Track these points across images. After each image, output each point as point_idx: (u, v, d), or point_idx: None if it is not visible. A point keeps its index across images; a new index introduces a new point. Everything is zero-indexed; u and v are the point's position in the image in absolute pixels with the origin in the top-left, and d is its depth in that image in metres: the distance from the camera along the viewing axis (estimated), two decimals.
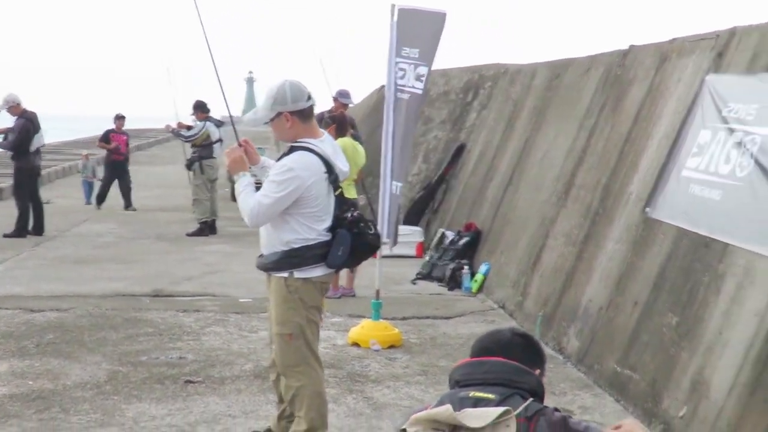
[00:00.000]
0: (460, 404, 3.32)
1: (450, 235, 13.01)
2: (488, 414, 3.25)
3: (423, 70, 8.85)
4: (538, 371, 3.60)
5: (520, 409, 3.27)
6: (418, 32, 8.93)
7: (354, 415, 6.78)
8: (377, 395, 7.27)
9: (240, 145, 5.74)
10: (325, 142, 5.63)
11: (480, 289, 11.63)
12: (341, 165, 5.68)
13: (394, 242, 10.14)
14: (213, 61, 6.44)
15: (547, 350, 8.80)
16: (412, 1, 9.31)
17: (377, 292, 9.07)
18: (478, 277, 11.74)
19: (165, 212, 19.57)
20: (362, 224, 5.63)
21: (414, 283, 12.23)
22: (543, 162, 11.50)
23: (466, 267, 12.06)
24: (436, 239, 13.44)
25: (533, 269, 10.38)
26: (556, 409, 3.34)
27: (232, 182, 21.11)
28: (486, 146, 14.22)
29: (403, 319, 9.77)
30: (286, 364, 5.55)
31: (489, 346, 3.67)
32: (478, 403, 3.33)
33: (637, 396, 7.20)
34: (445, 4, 9.90)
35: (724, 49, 8.09)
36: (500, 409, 3.25)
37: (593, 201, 9.48)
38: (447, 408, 3.30)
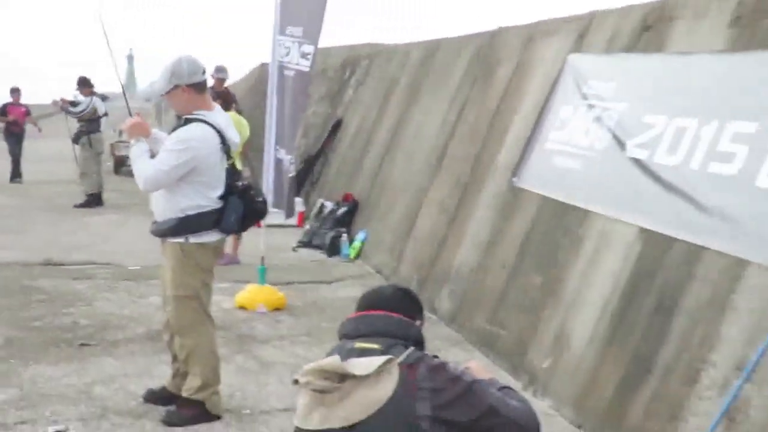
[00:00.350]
0: (347, 355, 3.45)
1: (329, 205, 13.15)
2: (372, 363, 3.36)
3: (308, 48, 8.89)
4: (418, 322, 3.78)
5: (402, 357, 3.41)
6: (301, 11, 9.03)
7: (243, 372, 6.94)
8: (264, 354, 7.46)
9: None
10: (218, 114, 5.79)
11: (358, 256, 11.85)
12: (232, 136, 5.86)
13: (290, 212, 10.39)
14: (108, 43, 6.60)
15: None
16: None
17: (262, 259, 9.21)
18: (356, 244, 11.96)
19: (51, 185, 19.03)
20: (252, 192, 5.85)
21: (295, 251, 12.38)
22: (417, 135, 11.71)
23: (344, 235, 12.27)
24: (315, 209, 13.59)
25: (408, 236, 10.61)
26: (435, 356, 3.55)
27: (114, 156, 20.81)
28: (362, 121, 14.31)
29: (287, 283, 9.91)
30: (181, 324, 5.69)
31: (372, 301, 3.79)
32: (363, 353, 3.46)
33: (505, 350, 7.53)
34: None
35: (585, 31, 8.43)
36: (383, 358, 3.37)
37: (464, 171, 9.74)
38: (335, 358, 3.41)
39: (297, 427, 3.50)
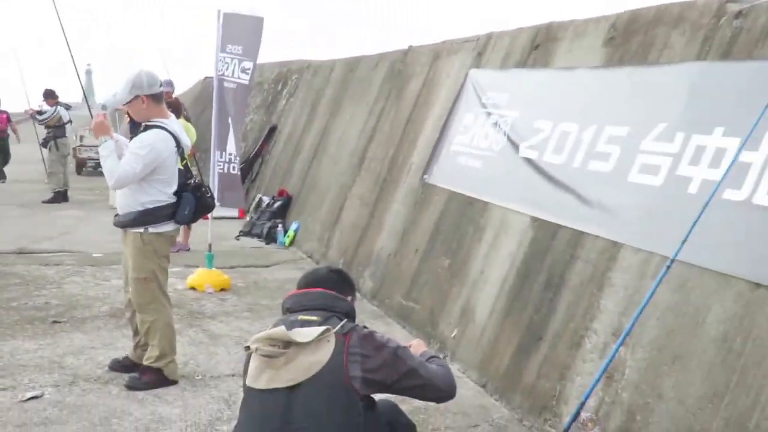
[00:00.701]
0: (291, 325, 3.50)
1: (266, 199, 13.06)
2: (312, 332, 3.44)
3: (248, 64, 8.94)
4: (350, 298, 3.85)
5: (337, 327, 3.49)
6: (241, 32, 8.99)
7: (195, 344, 6.89)
8: (213, 328, 7.41)
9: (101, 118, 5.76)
10: (173, 121, 5.77)
11: (291, 243, 11.75)
12: (185, 141, 5.85)
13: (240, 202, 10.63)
14: (73, 60, 6.56)
15: None
16: (235, 4, 9.40)
17: (209, 246, 9.14)
18: (290, 233, 11.87)
19: (21, 183, 18.71)
20: (203, 189, 5.85)
21: (237, 239, 12.24)
22: (341, 140, 11.65)
23: (279, 225, 12.19)
24: (254, 203, 13.45)
25: (334, 226, 10.55)
26: (365, 327, 3.61)
27: (77, 158, 20.42)
28: (294, 127, 14.28)
29: (231, 267, 9.82)
30: (141, 302, 5.68)
31: (312, 280, 3.89)
32: (304, 324, 3.52)
33: (419, 323, 7.52)
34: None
35: (483, 50, 8.46)
36: (322, 328, 3.45)
37: (382, 170, 9.70)
38: (281, 328, 3.47)
39: (248, 387, 3.55)
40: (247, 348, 3.58)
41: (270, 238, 12.15)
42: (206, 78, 19.54)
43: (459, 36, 9.27)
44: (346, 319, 3.62)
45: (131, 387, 5.68)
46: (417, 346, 3.89)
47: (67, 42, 6.60)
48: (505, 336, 6.26)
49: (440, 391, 3.67)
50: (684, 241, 4.52)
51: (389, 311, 8.17)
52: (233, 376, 6.10)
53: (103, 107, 6.39)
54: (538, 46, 7.49)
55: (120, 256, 6.13)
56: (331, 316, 3.60)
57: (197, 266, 9.27)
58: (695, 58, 5.47)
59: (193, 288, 8.77)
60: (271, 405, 3.41)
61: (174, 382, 5.79)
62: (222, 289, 8.79)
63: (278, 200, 12.74)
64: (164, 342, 5.69)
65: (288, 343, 3.42)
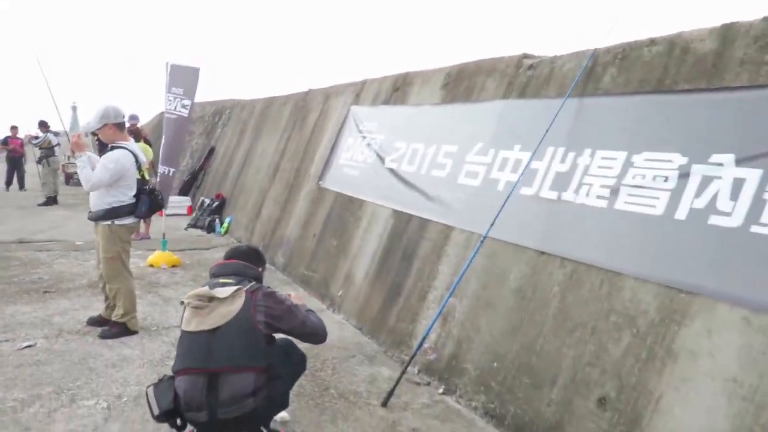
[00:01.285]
0: (213, 286, 3.53)
1: (207, 200, 12.71)
2: (229, 290, 3.49)
3: (187, 101, 8.77)
4: (261, 269, 3.87)
5: (247, 286, 3.54)
6: (182, 78, 8.80)
7: (152, 305, 6.71)
8: (165, 293, 7.20)
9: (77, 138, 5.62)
10: (132, 144, 5.68)
11: (226, 232, 11.48)
12: (142, 158, 5.77)
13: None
14: (56, 105, 6.44)
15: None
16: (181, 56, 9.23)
17: (163, 235, 8.87)
18: (225, 224, 11.59)
19: (21, 192, 17.84)
20: (155, 192, 5.76)
21: (186, 230, 11.87)
22: (261, 155, 11.47)
23: (217, 219, 11.92)
24: (198, 203, 13.05)
25: (256, 219, 10.38)
26: (269, 287, 3.65)
27: (65, 173, 19.47)
28: (227, 148, 13.97)
29: (180, 250, 9.50)
30: (109, 275, 5.58)
31: (232, 253, 3.91)
32: (224, 285, 3.55)
33: (316, 286, 7.45)
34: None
35: (360, 91, 8.48)
36: (235, 287, 3.51)
37: (290, 178, 9.59)
38: (206, 288, 3.51)
39: (183, 330, 3.56)
40: (182, 303, 3.62)
41: (210, 228, 11.86)
42: (161, 113, 19.09)
43: (344, 81, 9.27)
44: (254, 282, 3.66)
45: (103, 336, 5.55)
46: (297, 298, 3.91)
47: (51, 94, 6.43)
48: (375, 293, 6.29)
49: (317, 336, 3.75)
50: (492, 224, 4.67)
51: (296, 279, 8.06)
52: (179, 327, 5.90)
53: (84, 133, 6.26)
54: (398, 89, 7.55)
55: (91, 244, 5.93)
56: (243, 279, 3.63)
57: (155, 249, 8.98)
58: (502, 97, 5.62)
59: (151, 265, 8.47)
60: (198, 343, 3.43)
61: (135, 332, 5.68)
62: (173, 266, 8.53)
63: (216, 201, 12.45)
64: (127, 303, 5.61)
65: (211, 298, 3.48)
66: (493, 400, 4.39)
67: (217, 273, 3.74)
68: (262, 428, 3.68)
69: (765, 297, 3.11)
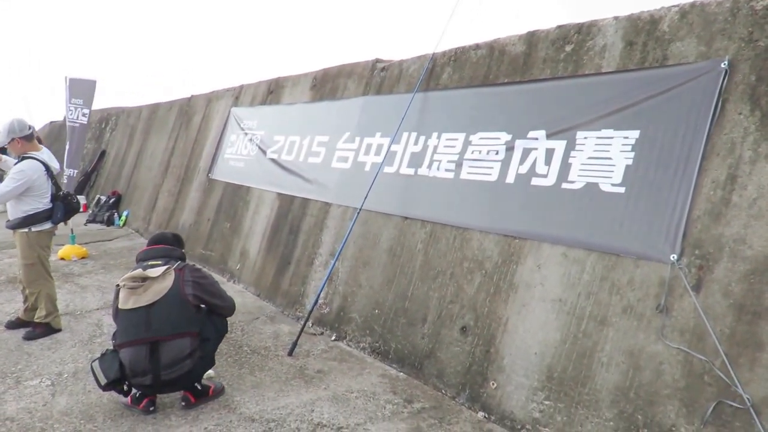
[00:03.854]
0: (145, 268, 3.41)
1: (103, 198, 11.69)
2: (160, 269, 3.39)
3: (86, 110, 8.02)
4: (182, 250, 3.76)
5: (175, 265, 3.46)
6: (81, 90, 8.01)
7: (71, 293, 6.08)
8: (81, 282, 6.56)
9: None
10: (43, 152, 4.95)
11: (124, 224, 10.64)
12: (54, 164, 5.02)
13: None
14: None
15: None
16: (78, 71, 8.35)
17: (71, 229, 7.99)
18: (123, 218, 10.72)
19: None
20: (70, 197, 5.08)
21: (86, 225, 10.86)
22: (152, 155, 10.70)
23: (115, 213, 11.01)
24: (95, 200, 11.94)
25: (152, 210, 9.71)
26: (194, 265, 3.62)
27: None
28: (118, 150, 12.88)
29: (86, 243, 8.72)
30: (29, 280, 4.87)
31: (157, 239, 3.76)
32: (154, 266, 3.43)
33: (215, 263, 7.11)
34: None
35: (239, 95, 8.16)
36: (165, 267, 3.41)
37: (181, 173, 9.06)
38: (139, 270, 3.40)
39: (120, 309, 3.37)
40: (118, 285, 3.46)
41: (109, 222, 10.92)
42: (51, 122, 17.08)
43: (222, 87, 8.86)
44: (180, 261, 3.61)
45: (28, 338, 4.82)
46: None
47: None
48: (268, 264, 6.14)
49: (230, 309, 3.71)
50: (365, 198, 4.72)
51: (193, 259, 7.61)
52: (98, 309, 5.52)
53: None
54: (272, 91, 7.33)
55: (7, 244, 5.20)
56: (169, 260, 3.55)
57: (64, 244, 8.12)
58: (362, 94, 5.63)
59: (63, 258, 7.66)
60: (137, 318, 3.33)
61: (59, 331, 4.98)
62: (82, 257, 7.77)
63: (112, 197, 11.47)
64: (49, 304, 4.93)
65: (144, 279, 3.37)
66: (378, 340, 4.47)
67: (145, 257, 3.60)
68: (196, 384, 3.59)
69: (575, 235, 3.40)
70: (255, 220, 6.65)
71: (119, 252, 8.30)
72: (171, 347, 3.33)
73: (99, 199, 11.91)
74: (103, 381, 3.39)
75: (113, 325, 4.99)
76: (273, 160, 6.65)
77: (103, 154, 13.79)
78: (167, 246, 3.70)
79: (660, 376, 2.81)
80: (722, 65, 2.95)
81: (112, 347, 3.51)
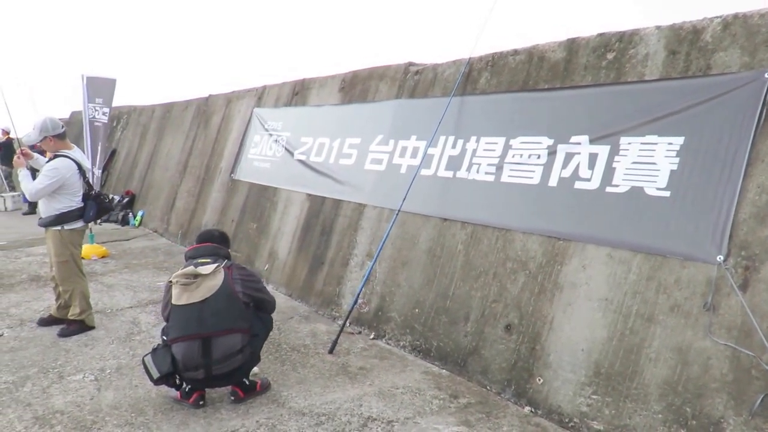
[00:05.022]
0: (197, 265, 3.59)
1: (117, 197, 11.91)
2: (210, 267, 3.58)
3: (106, 110, 8.21)
4: (228, 249, 3.97)
5: (223, 263, 3.65)
6: (100, 89, 8.19)
7: (98, 291, 6.28)
8: (106, 281, 6.77)
9: (21, 152, 5.12)
10: (75, 151, 5.13)
11: (140, 224, 10.85)
12: (87, 164, 5.22)
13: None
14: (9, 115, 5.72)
15: (186, 248, 8.74)
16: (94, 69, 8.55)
17: (90, 229, 8.17)
18: (138, 218, 10.93)
19: None
20: (102, 196, 5.26)
21: (100, 224, 11.03)
22: (168, 155, 10.89)
23: (130, 213, 11.22)
24: (108, 200, 12.24)
25: (171, 211, 9.90)
26: (238, 263, 3.78)
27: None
28: (129, 149, 13.07)
29: (104, 242, 8.93)
30: (62, 277, 5.05)
31: (205, 236, 3.96)
32: (203, 264, 3.62)
33: (241, 263, 7.38)
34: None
35: (261, 95, 8.34)
36: (215, 265, 3.60)
37: (201, 173, 9.24)
38: (191, 267, 3.57)
39: (174, 305, 3.53)
40: (170, 282, 3.62)
41: (124, 222, 11.12)
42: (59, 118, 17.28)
43: (243, 87, 9.06)
44: (227, 260, 3.78)
45: (62, 335, 5.01)
46: None
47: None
48: (299, 264, 6.33)
49: (273, 305, 3.90)
50: (404, 199, 4.94)
51: None
52: (131, 307, 5.72)
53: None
54: (298, 93, 7.54)
55: (23, 242, 5.41)
56: (217, 258, 3.73)
57: (84, 243, 8.42)
58: (395, 97, 5.83)
59: (83, 258, 7.88)
60: (190, 313, 3.50)
61: (93, 328, 5.17)
62: (103, 257, 7.98)
63: (126, 197, 11.68)
64: (83, 302, 5.11)
65: (196, 276, 3.54)
66: (418, 338, 4.70)
67: (194, 255, 3.77)
68: (244, 379, 3.79)
69: (620, 237, 3.63)
70: (284, 220, 6.86)
71: (141, 252, 8.51)
72: (223, 342, 3.52)
73: (113, 198, 12.13)
74: (156, 375, 3.54)
75: (151, 322, 5.28)
76: (301, 161, 6.86)
77: (113, 153, 14.00)
78: (215, 244, 3.92)
79: (708, 370, 3.05)
80: (766, 75, 3.19)
81: (162, 342, 3.68)
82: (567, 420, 3.54)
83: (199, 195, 9.10)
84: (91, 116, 8.17)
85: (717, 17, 3.51)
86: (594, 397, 3.46)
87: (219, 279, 3.57)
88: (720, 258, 3.13)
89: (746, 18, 3.37)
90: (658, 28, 3.79)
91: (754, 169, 3.13)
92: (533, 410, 3.73)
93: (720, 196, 3.22)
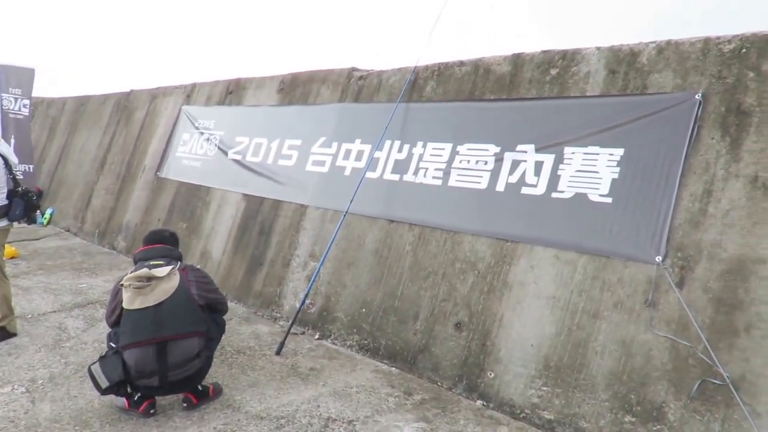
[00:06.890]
0: (150, 267, 3.34)
1: None
2: (165, 269, 3.33)
3: (26, 101, 7.36)
4: (180, 249, 3.70)
5: (178, 265, 3.42)
6: (18, 79, 7.34)
7: (15, 295, 5.40)
8: (21, 283, 6.04)
9: None
10: (2, 145, 4.54)
11: (49, 222, 9.87)
12: (13, 159, 4.62)
13: None
14: None
15: (104, 248, 8.06)
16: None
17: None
18: (46, 216, 9.93)
19: None
20: (30, 193, 4.70)
21: (29, 224, 9.95)
22: (82, 151, 9.98)
23: (38, 211, 10.22)
24: (36, 197, 11.00)
25: (86, 208, 9.07)
26: (194, 265, 3.52)
27: None
28: (36, 144, 11.80)
29: (12, 241, 7.91)
30: None
31: (155, 237, 3.68)
32: (157, 266, 3.36)
33: None
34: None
35: (191, 93, 7.92)
36: (170, 267, 3.36)
37: (121, 170, 8.57)
38: (144, 270, 3.31)
39: (126, 309, 3.24)
40: (122, 285, 3.30)
41: (31, 220, 10.10)
42: None
43: (169, 84, 8.54)
44: (179, 261, 3.54)
45: None
46: None
47: None
48: (235, 265, 6.03)
49: (226, 306, 3.70)
50: (351, 201, 4.84)
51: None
52: (55, 311, 5.14)
53: None
54: (232, 92, 7.21)
55: None
56: (170, 260, 3.49)
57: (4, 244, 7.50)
58: (338, 101, 5.72)
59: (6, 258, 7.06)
60: (145, 318, 3.23)
61: (14, 335, 4.59)
62: (12, 257, 7.13)
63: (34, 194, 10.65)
64: (4, 307, 4.54)
65: (150, 278, 3.28)
66: (366, 337, 4.61)
67: (146, 257, 3.49)
68: (199, 386, 3.53)
69: (566, 239, 3.77)
70: (218, 220, 6.52)
71: (55, 252, 7.72)
72: (179, 347, 3.26)
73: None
74: (105, 384, 3.21)
75: (80, 327, 4.78)
76: (236, 161, 6.55)
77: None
78: (167, 246, 3.65)
79: (650, 360, 3.23)
80: (696, 97, 3.45)
81: (111, 349, 3.36)
82: (519, 411, 3.61)
83: (120, 193, 8.44)
84: (6, 107, 7.30)
85: (652, 42, 3.75)
86: (544, 388, 3.56)
87: (175, 281, 3.29)
88: (659, 259, 3.34)
89: (678, 45, 3.63)
90: (598, 48, 3.99)
91: (687, 179, 3.37)
92: (485, 404, 3.77)
93: (658, 203, 3.44)
